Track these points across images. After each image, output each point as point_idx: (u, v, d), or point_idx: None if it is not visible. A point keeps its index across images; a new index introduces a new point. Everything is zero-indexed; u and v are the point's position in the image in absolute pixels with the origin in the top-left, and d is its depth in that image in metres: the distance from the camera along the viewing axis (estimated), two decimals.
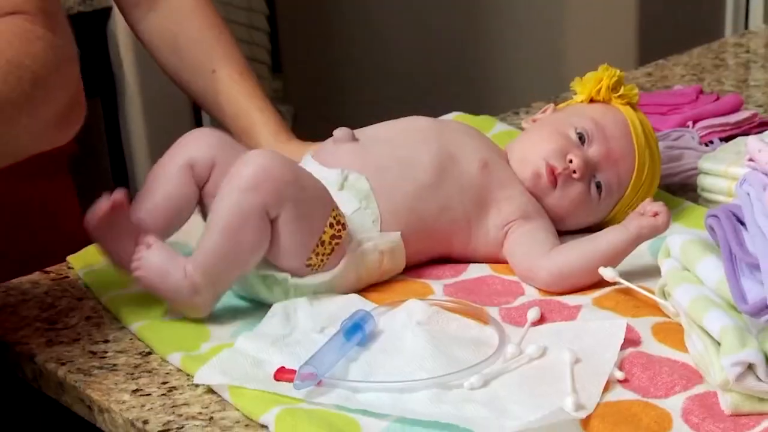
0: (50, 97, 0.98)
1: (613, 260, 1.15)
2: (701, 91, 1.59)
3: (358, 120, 1.31)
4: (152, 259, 1.07)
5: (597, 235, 1.18)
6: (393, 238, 1.17)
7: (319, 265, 1.12)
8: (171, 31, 1.39)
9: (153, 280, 1.08)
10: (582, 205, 1.23)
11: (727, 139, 1.45)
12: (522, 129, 1.35)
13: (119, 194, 1.09)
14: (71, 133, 1.04)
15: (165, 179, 1.14)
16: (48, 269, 1.25)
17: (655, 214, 1.15)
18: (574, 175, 1.21)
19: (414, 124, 1.26)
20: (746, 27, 3.11)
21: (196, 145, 1.16)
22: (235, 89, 1.38)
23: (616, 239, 1.16)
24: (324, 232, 1.10)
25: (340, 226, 1.12)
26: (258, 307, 1.13)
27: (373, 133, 1.25)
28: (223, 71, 1.38)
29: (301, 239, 1.10)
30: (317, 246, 1.10)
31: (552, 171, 1.21)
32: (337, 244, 1.12)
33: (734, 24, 3.14)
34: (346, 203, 1.16)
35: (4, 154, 1.00)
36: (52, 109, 0.99)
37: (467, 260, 1.22)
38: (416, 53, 3.21)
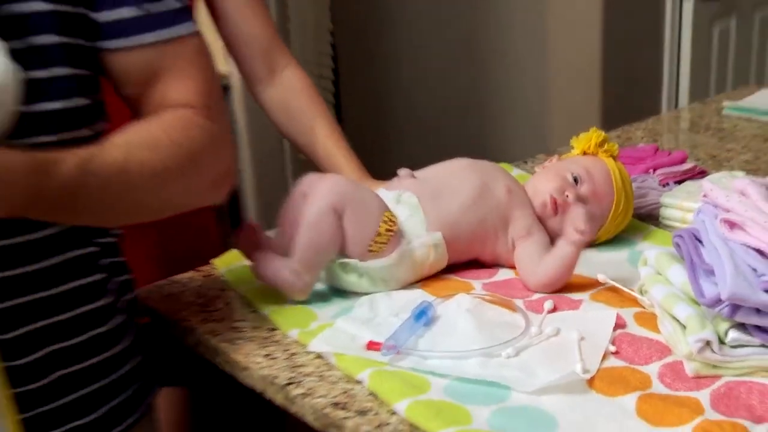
0: (202, 171, 0.94)
1: (572, 264, 1.12)
2: (657, 149, 1.58)
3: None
4: (269, 263, 1.10)
5: (556, 249, 1.14)
6: (436, 236, 1.16)
7: (378, 251, 1.11)
8: (284, 101, 1.39)
9: (269, 275, 1.10)
10: None
11: (678, 183, 1.44)
12: (534, 172, 1.34)
13: (249, 225, 1.14)
14: (223, 195, 1.00)
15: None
16: (199, 269, 1.25)
17: (582, 232, 1.12)
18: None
19: (458, 163, 1.25)
20: (676, 105, 3.11)
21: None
22: (328, 142, 1.38)
23: (566, 250, 1.13)
24: (380, 226, 1.11)
25: (391, 223, 1.12)
26: (347, 298, 1.13)
27: (427, 171, 1.25)
28: (321, 131, 1.38)
29: (362, 230, 1.10)
30: (376, 236, 1.11)
31: (554, 202, 1.21)
32: (391, 235, 1.11)
33: (668, 102, 3.14)
34: (400, 213, 1.16)
35: (167, 208, 0.97)
36: (204, 180, 0.95)
37: (494, 262, 1.21)
38: (445, 122, 3.24)
